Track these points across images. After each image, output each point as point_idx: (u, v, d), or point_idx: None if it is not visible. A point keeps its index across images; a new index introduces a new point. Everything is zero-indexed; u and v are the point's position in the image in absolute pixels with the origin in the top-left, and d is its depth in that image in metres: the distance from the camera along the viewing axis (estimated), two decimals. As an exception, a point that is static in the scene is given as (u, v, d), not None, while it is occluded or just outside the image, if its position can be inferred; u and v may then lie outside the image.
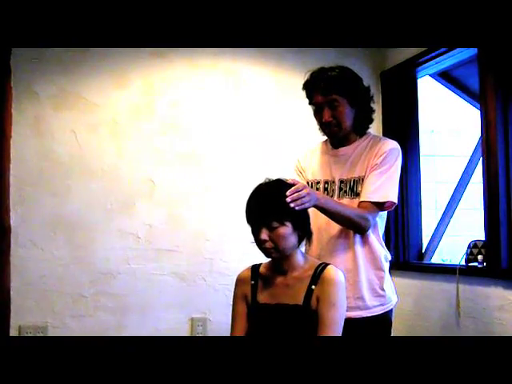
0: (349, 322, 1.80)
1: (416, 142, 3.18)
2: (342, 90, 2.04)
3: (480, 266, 2.58)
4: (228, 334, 1.89)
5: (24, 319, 2.79)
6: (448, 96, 3.55)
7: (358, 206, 2.02)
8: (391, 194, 2.03)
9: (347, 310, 1.79)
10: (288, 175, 1.92)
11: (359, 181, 2.06)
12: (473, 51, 2.67)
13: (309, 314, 1.72)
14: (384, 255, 2.09)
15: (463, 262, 2.68)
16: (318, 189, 2.12)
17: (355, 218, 1.97)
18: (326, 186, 2.12)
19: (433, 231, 3.22)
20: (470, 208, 3.65)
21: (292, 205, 1.74)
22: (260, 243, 1.75)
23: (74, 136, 2.91)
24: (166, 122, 3.03)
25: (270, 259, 1.83)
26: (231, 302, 1.89)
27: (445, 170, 4.48)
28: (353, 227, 2.01)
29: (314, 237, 1.93)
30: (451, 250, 3.60)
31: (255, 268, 1.88)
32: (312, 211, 1.88)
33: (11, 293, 2.78)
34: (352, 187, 2.07)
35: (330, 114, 2.06)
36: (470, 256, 2.64)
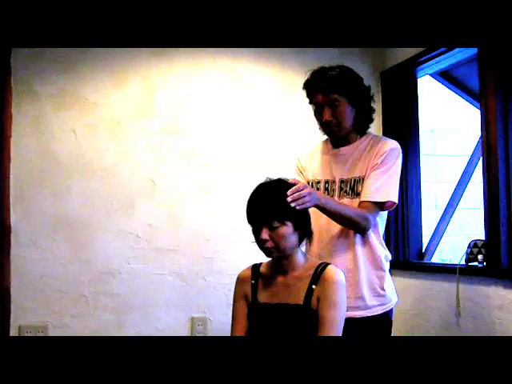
0: (349, 321, 1.80)
1: (416, 141, 3.17)
2: (342, 90, 2.04)
3: (480, 265, 2.58)
4: (228, 334, 1.89)
5: (24, 319, 2.79)
6: (448, 95, 3.55)
7: (359, 205, 2.02)
8: (391, 194, 2.03)
9: (347, 310, 1.79)
10: (288, 175, 1.92)
11: (360, 181, 2.06)
12: (473, 51, 2.67)
13: (309, 313, 1.72)
14: (384, 255, 2.09)
15: (463, 262, 2.68)
16: (318, 188, 2.12)
17: (356, 217, 1.97)
18: (327, 185, 2.12)
19: (433, 231, 3.22)
20: (470, 208, 3.65)
21: (293, 204, 1.74)
22: (261, 243, 1.75)
23: (74, 136, 2.91)
24: (166, 122, 3.03)
25: (270, 259, 1.83)
26: (231, 302, 1.89)
27: (445, 170, 4.48)
28: (353, 227, 2.01)
29: (315, 236, 1.93)
30: (451, 250, 3.60)
31: (256, 267, 1.88)
32: (313, 211, 1.88)
33: (11, 293, 2.78)
34: (352, 187, 2.07)
35: (330, 114, 2.06)
36: (470, 256, 2.64)
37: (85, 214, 2.89)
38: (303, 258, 1.83)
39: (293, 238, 1.76)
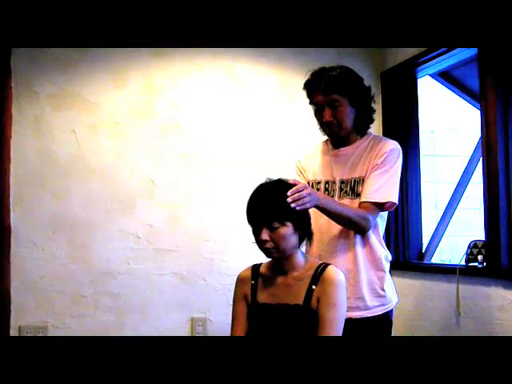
0: (349, 322, 1.80)
1: (416, 141, 3.17)
2: (342, 90, 2.04)
3: (480, 265, 2.58)
4: (228, 334, 1.89)
5: (24, 319, 2.79)
6: (448, 96, 3.54)
7: (359, 206, 2.02)
8: (392, 195, 2.03)
9: (348, 311, 1.79)
10: (288, 175, 1.92)
11: (360, 181, 2.06)
12: (473, 51, 2.67)
13: (309, 313, 1.72)
14: (385, 255, 2.09)
15: (463, 262, 2.68)
16: (318, 189, 2.12)
17: (356, 218, 1.97)
18: (327, 186, 2.12)
19: (433, 231, 3.22)
20: (470, 208, 3.65)
21: (293, 205, 1.73)
22: (261, 243, 1.75)
23: (74, 136, 2.91)
24: (166, 122, 3.03)
25: (270, 259, 1.83)
26: (231, 302, 1.89)
27: (445, 170, 4.48)
28: (353, 228, 2.01)
29: (315, 237, 1.93)
30: (451, 250, 3.60)
31: (255, 268, 1.88)
32: (313, 212, 1.88)
33: (11, 293, 2.78)
34: (353, 187, 2.07)
35: (330, 114, 2.05)
36: (470, 256, 2.64)
37: (85, 215, 2.89)
38: (303, 258, 1.83)
39: (293, 239, 1.76)
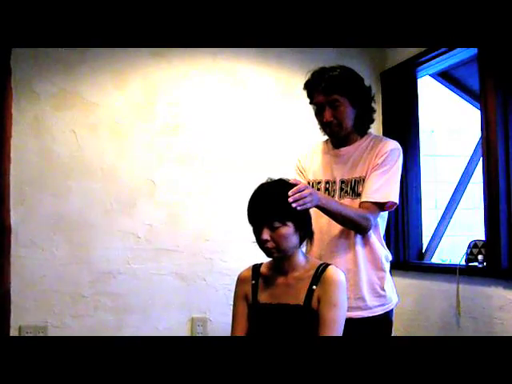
0: (349, 322, 1.80)
1: (416, 141, 3.18)
2: (343, 90, 2.04)
3: (480, 265, 2.58)
4: (228, 334, 1.89)
5: (24, 319, 2.79)
6: (448, 96, 3.55)
7: (359, 206, 2.02)
8: (392, 195, 2.03)
9: (348, 310, 1.79)
10: (289, 175, 1.92)
11: (360, 181, 2.06)
12: (473, 51, 2.67)
13: (310, 313, 1.72)
14: (385, 255, 2.09)
15: (463, 262, 2.68)
16: (318, 189, 2.12)
17: (356, 218, 1.97)
18: (327, 186, 2.12)
19: (433, 231, 3.22)
20: (470, 208, 3.65)
21: (294, 205, 1.73)
22: (261, 243, 1.75)
23: (74, 136, 2.91)
24: (166, 122, 3.03)
25: (271, 259, 1.83)
26: (231, 302, 1.89)
27: (445, 170, 4.48)
28: (354, 227, 2.01)
29: (316, 237, 1.93)
30: (451, 250, 3.60)
31: (256, 268, 1.88)
32: (314, 212, 1.88)
33: (11, 293, 2.78)
34: (353, 187, 2.07)
35: (331, 114, 2.05)
36: (470, 256, 2.64)
37: (85, 215, 2.89)
38: (304, 258, 1.83)
39: (294, 239, 1.76)
